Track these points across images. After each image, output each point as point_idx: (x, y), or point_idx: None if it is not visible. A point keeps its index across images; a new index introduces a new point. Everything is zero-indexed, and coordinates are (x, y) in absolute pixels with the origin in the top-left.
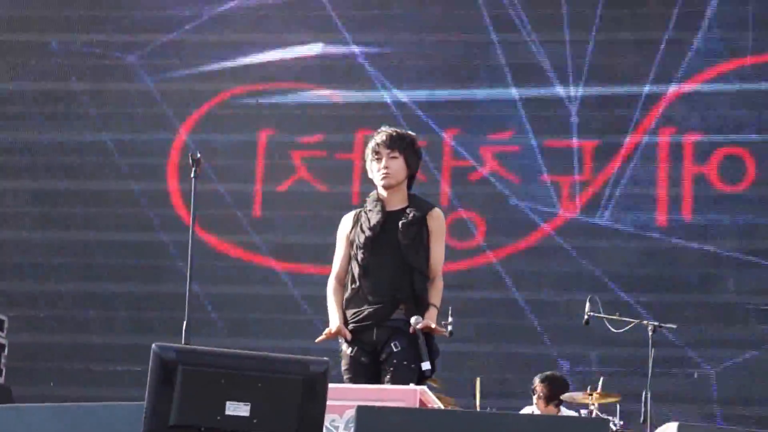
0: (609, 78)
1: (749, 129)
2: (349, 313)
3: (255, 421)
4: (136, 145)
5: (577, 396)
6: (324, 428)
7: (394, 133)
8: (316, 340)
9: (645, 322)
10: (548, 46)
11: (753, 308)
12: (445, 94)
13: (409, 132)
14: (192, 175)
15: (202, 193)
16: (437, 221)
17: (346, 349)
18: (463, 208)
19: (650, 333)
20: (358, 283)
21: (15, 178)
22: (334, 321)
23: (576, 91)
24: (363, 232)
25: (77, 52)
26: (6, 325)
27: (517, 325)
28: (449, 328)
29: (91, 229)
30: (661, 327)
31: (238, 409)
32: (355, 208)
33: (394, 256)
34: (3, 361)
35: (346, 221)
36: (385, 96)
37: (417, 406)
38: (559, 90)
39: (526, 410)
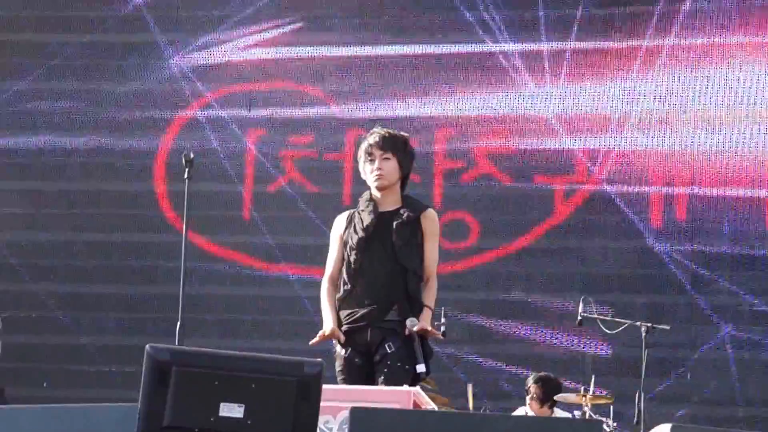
0: None
1: None
2: (343, 314)
3: (249, 422)
4: (127, 146)
5: (571, 397)
6: (318, 429)
7: (387, 134)
8: (310, 342)
9: (638, 323)
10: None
11: (747, 309)
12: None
13: (402, 133)
14: (185, 176)
15: (193, 194)
16: (431, 222)
17: (340, 350)
18: (457, 209)
19: (643, 334)
20: (351, 284)
21: (6, 178)
22: (328, 323)
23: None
24: (356, 233)
25: (70, 52)
26: None
27: (509, 326)
28: (442, 328)
29: (83, 231)
30: (654, 328)
31: (232, 410)
32: (346, 209)
33: (388, 257)
34: None
35: (340, 222)
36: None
37: (411, 407)
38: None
39: (520, 411)
